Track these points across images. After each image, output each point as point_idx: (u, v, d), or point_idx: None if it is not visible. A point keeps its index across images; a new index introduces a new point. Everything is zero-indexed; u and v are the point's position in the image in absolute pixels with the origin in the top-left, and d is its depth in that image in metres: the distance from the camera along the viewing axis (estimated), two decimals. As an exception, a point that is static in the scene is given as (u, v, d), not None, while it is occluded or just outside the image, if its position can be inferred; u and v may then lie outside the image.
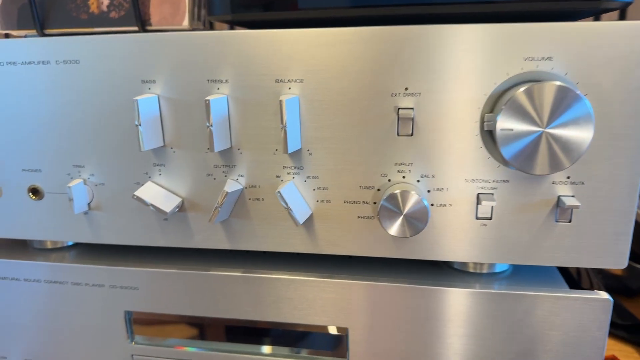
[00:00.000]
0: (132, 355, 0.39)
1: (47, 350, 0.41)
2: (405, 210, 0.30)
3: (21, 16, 0.39)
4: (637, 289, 0.63)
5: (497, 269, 0.35)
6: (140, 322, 0.39)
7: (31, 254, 0.40)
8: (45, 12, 0.38)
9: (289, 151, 0.30)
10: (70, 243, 0.42)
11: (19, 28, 0.39)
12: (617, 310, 0.59)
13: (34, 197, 0.36)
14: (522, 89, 0.27)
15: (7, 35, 0.44)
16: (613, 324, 0.56)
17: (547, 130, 0.27)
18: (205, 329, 0.38)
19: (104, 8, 0.37)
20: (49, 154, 0.35)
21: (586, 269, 0.37)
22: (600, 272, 0.67)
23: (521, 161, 0.27)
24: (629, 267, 0.69)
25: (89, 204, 0.35)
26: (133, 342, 0.39)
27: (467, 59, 0.29)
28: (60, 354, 0.41)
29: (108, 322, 0.38)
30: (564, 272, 0.36)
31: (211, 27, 0.39)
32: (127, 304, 0.38)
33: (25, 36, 0.42)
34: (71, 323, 0.39)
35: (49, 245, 0.41)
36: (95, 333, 0.39)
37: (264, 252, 0.39)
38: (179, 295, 0.37)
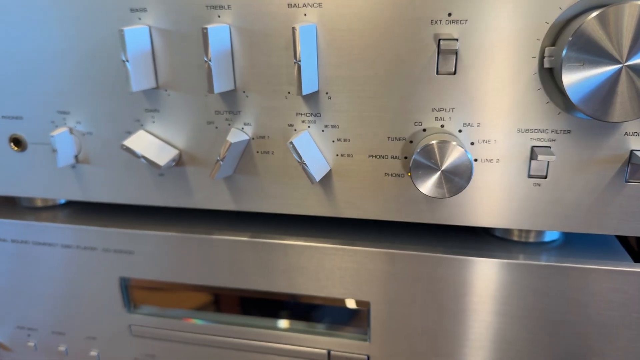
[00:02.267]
0: (130, 325, 0.36)
1: (40, 317, 0.38)
2: (444, 166, 0.24)
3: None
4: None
5: (546, 238, 0.30)
6: (138, 290, 0.35)
7: (20, 213, 0.37)
8: None
9: (304, 93, 0.25)
10: (62, 201, 0.38)
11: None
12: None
13: (16, 148, 0.32)
14: (594, 14, 0.21)
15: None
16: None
17: (627, 64, 0.21)
18: (210, 299, 0.34)
19: None
20: (30, 98, 0.31)
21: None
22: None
23: (594, 105, 0.22)
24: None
25: (76, 156, 0.31)
26: (131, 312, 0.35)
27: (527, -24, 0.23)
28: (54, 322, 0.37)
29: (103, 290, 0.35)
30: (625, 242, 0.31)
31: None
32: (123, 269, 0.34)
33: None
34: (63, 289, 0.36)
35: (39, 204, 0.37)
36: (89, 301, 0.36)
37: (275, 215, 0.34)
38: (180, 261, 0.32)
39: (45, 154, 0.32)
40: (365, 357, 0.32)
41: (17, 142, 0.32)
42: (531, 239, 0.30)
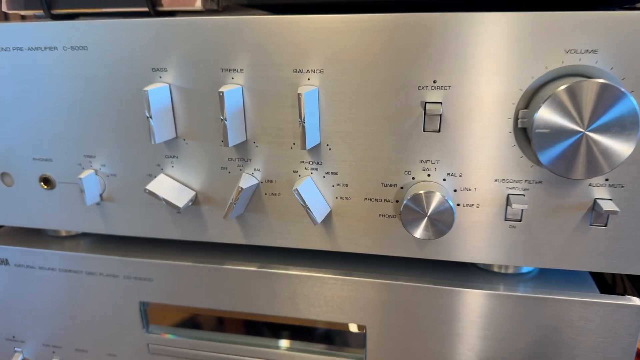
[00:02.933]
0: (148, 344, 0.39)
1: (64, 336, 0.41)
2: (430, 212, 0.28)
3: (28, -5, 0.37)
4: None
5: (524, 270, 0.34)
6: (156, 313, 0.38)
7: (45, 242, 0.40)
8: (52, -9, 0.36)
9: (308, 147, 0.29)
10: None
11: (26, 8, 0.37)
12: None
13: (45, 187, 0.35)
14: (562, 86, 0.25)
15: (6, 17, 0.42)
16: None
17: (588, 132, 0.25)
18: (221, 321, 0.38)
19: (114, -13, 0.35)
20: (59, 143, 0.34)
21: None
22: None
23: (560, 166, 0.25)
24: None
25: (101, 194, 0.34)
26: (149, 333, 0.39)
27: (501, 49, 0.26)
28: (78, 340, 0.41)
29: (123, 312, 0.38)
30: (597, 275, 0.34)
31: (225, 8, 0.37)
32: (142, 294, 0.37)
33: (34, 15, 0.40)
34: (87, 311, 0.39)
35: (63, 233, 0.41)
36: (111, 322, 0.39)
37: (281, 248, 0.38)
38: (194, 288, 0.36)
39: (72, 192, 0.35)
40: (362, 374, 0.36)
41: (47, 181, 0.35)
42: (510, 271, 0.34)
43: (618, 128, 0.25)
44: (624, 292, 0.31)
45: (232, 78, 0.30)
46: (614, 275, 0.35)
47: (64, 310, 0.40)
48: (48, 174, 0.35)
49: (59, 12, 0.37)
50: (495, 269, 0.34)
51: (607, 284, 0.33)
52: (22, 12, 0.38)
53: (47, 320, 0.41)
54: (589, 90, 0.24)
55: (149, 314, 0.38)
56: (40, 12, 0.37)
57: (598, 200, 0.28)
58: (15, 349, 0.43)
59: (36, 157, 0.35)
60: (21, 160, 0.35)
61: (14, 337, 0.43)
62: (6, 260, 0.39)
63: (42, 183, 0.35)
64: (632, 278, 0.49)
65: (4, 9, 0.38)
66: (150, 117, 0.29)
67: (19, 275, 0.40)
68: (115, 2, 0.35)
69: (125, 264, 0.36)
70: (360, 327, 0.34)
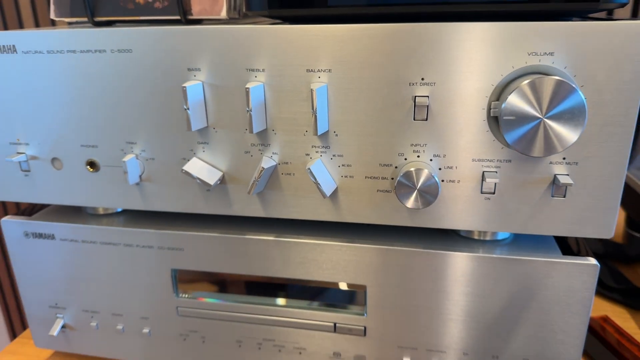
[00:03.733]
0: (177, 307, 0.45)
1: (102, 302, 0.47)
2: (419, 185, 0.34)
3: (73, 5, 0.43)
4: (635, 256, 0.68)
5: (499, 237, 0.40)
6: (184, 279, 0.44)
7: (85, 219, 0.46)
8: (95, 1, 0.42)
9: (319, 133, 0.35)
10: (119, 210, 0.47)
11: (72, 16, 0.43)
12: (614, 275, 0.64)
13: (91, 170, 0.41)
14: (525, 81, 0.31)
15: (53, 23, 0.48)
16: (609, 288, 0.61)
17: (545, 118, 0.31)
18: (242, 285, 0.44)
19: (149, -1, 0.41)
20: (104, 131, 0.40)
21: (581, 238, 0.42)
22: (601, 240, 0.72)
23: (521, 145, 0.31)
24: (629, 235, 0.73)
25: (140, 175, 0.40)
26: (178, 297, 0.45)
27: (477, 53, 0.32)
28: (114, 306, 0.47)
29: (157, 279, 0.44)
30: (563, 240, 0.40)
31: (244, 16, 0.43)
32: (174, 263, 0.43)
33: (76, 22, 0.46)
34: (123, 279, 0.45)
35: (101, 211, 0.47)
36: (145, 288, 0.45)
37: (293, 220, 0.44)
38: (219, 255, 0.42)
39: (114, 174, 0.41)
40: (363, 328, 0.42)
41: (93, 164, 0.41)
42: (488, 238, 0.40)
43: (569, 116, 0.31)
44: (583, 254, 0.38)
45: (255, 76, 0.36)
46: (576, 240, 0.41)
47: (103, 278, 0.46)
48: (94, 158, 0.41)
49: (101, 20, 0.42)
50: (475, 236, 0.40)
51: (570, 248, 0.39)
52: (68, 19, 0.43)
53: (87, 289, 0.47)
54: (547, 85, 0.30)
55: (179, 281, 0.44)
56: (84, 20, 0.43)
57: (557, 175, 0.34)
58: (57, 315, 0.49)
59: (84, 144, 0.41)
60: (70, 147, 0.41)
61: (56, 304, 0.48)
62: (52, 235, 0.45)
63: (88, 166, 0.41)
64: (589, 241, 0.55)
65: (52, 16, 0.43)
66: (188, 109, 0.35)
67: (63, 248, 0.45)
68: (150, 12, 0.41)
69: (160, 235, 0.42)
70: (361, 286, 0.41)
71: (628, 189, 0.71)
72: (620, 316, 0.57)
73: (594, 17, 0.37)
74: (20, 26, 1.05)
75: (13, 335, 1.41)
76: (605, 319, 0.53)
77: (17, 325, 1.40)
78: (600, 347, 0.49)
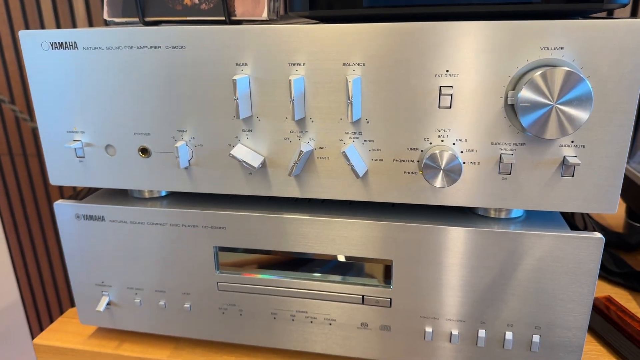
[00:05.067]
0: (218, 282, 0.49)
1: (146, 279, 0.51)
2: (444, 166, 0.38)
3: (125, 6, 0.47)
4: (635, 243, 0.72)
5: (513, 215, 0.44)
6: (225, 256, 0.48)
7: (133, 202, 0.50)
8: (145, 3, 0.46)
9: (353, 120, 0.39)
10: (163, 193, 0.51)
11: (123, 16, 0.47)
12: (616, 261, 0.68)
13: (143, 156, 0.46)
14: (538, 72, 0.35)
15: (106, 23, 0.52)
16: (611, 272, 0.65)
17: (556, 104, 0.35)
18: (278, 262, 0.48)
19: (196, 1, 0.45)
20: (157, 120, 0.44)
21: (588, 217, 0.46)
22: (603, 229, 0.76)
23: (536, 128, 0.36)
24: (629, 225, 0.78)
25: (189, 160, 0.45)
26: (219, 272, 0.49)
27: (494, 48, 0.37)
28: (158, 282, 0.51)
29: (200, 256, 0.48)
30: (570, 218, 0.44)
31: (281, 17, 0.47)
32: (217, 241, 0.47)
33: (126, 23, 0.50)
34: (168, 257, 0.49)
35: (147, 195, 0.51)
36: (188, 265, 0.49)
37: (326, 201, 0.48)
38: (258, 234, 0.46)
39: (165, 160, 0.45)
40: (389, 299, 0.46)
41: (145, 151, 0.45)
42: (503, 215, 0.44)
43: (578, 102, 0.35)
44: (590, 230, 0.42)
45: (296, 70, 0.40)
46: (583, 218, 0.45)
47: (148, 257, 0.50)
48: (146, 145, 0.45)
49: (150, 20, 0.47)
50: (492, 214, 0.44)
51: (576, 225, 0.43)
52: (119, 20, 0.48)
53: (132, 267, 0.51)
54: (558, 75, 0.35)
55: (220, 258, 0.49)
56: (135, 20, 0.47)
57: (566, 157, 0.38)
58: (103, 292, 0.53)
59: (137, 132, 0.45)
60: (124, 135, 0.45)
61: (102, 282, 0.53)
62: (102, 217, 0.50)
63: (140, 152, 0.45)
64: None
65: (105, 17, 0.48)
66: (237, 99, 0.39)
67: (112, 229, 0.50)
68: (197, 13, 0.45)
69: (205, 215, 0.47)
70: (387, 261, 0.45)
71: (628, 182, 0.76)
72: (622, 297, 0.61)
73: (597, 17, 0.41)
74: (74, 26, 1.10)
75: (30, 327, 1.45)
76: (609, 299, 0.57)
77: (32, 319, 1.44)
78: (605, 324, 0.53)
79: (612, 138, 0.38)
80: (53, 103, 0.46)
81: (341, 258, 0.46)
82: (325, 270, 0.47)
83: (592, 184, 0.39)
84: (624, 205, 0.79)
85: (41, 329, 1.45)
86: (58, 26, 1.12)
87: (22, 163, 1.28)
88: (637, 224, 0.76)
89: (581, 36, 0.36)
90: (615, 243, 0.73)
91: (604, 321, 0.54)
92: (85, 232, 0.50)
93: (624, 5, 0.37)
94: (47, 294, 1.42)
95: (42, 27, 1.12)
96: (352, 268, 0.46)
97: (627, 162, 0.77)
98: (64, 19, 1.11)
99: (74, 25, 1.10)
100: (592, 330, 0.54)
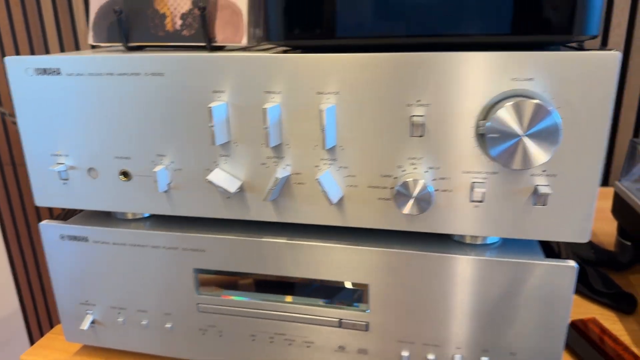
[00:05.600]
0: (198, 304, 0.50)
1: (129, 299, 0.51)
2: (414, 194, 0.39)
3: (109, 31, 0.48)
4: (626, 263, 0.72)
5: (489, 241, 0.44)
6: (205, 278, 0.49)
7: (116, 223, 0.51)
8: (129, 29, 0.47)
9: (327, 147, 0.39)
10: (146, 215, 0.52)
11: (108, 41, 0.48)
12: (604, 281, 0.67)
13: (124, 179, 0.46)
14: (508, 103, 0.36)
15: (94, 47, 0.53)
16: (599, 293, 0.65)
17: (524, 136, 0.35)
18: (257, 284, 0.48)
19: (178, 27, 0.46)
20: (137, 145, 0.45)
21: (563, 243, 0.46)
22: (592, 247, 0.76)
23: (504, 159, 0.36)
24: (620, 243, 0.77)
25: (168, 184, 0.45)
26: (199, 294, 0.49)
27: (466, 78, 0.37)
28: (139, 302, 0.51)
29: (180, 278, 0.49)
30: (548, 244, 0.45)
31: (261, 43, 0.48)
32: (196, 263, 0.48)
33: (111, 46, 0.51)
34: (150, 278, 0.50)
35: (130, 217, 0.51)
36: (169, 286, 0.50)
37: (305, 225, 0.48)
38: (237, 256, 0.47)
39: (145, 183, 0.46)
40: (366, 323, 0.46)
41: (126, 174, 0.46)
42: (478, 242, 0.44)
43: (545, 134, 0.35)
44: (564, 257, 0.42)
45: (272, 98, 0.41)
46: (558, 244, 0.45)
47: (130, 277, 0.51)
48: (127, 169, 0.46)
49: (134, 45, 0.48)
50: (467, 241, 0.44)
51: (553, 251, 0.43)
52: (104, 44, 0.49)
53: (115, 287, 0.51)
54: (527, 107, 0.35)
55: (200, 279, 0.49)
56: (119, 45, 0.48)
57: (537, 186, 0.39)
58: (87, 311, 0.54)
59: (118, 155, 0.46)
60: (106, 159, 0.46)
61: (87, 301, 0.53)
62: (86, 237, 0.50)
63: (121, 176, 0.46)
64: (582, 248, 0.59)
65: (90, 42, 0.49)
66: (213, 126, 0.40)
67: (96, 250, 0.50)
68: (179, 39, 0.46)
69: (184, 238, 0.47)
70: (364, 285, 0.45)
71: (620, 201, 0.76)
72: (608, 319, 0.61)
73: (570, 46, 0.41)
74: (62, 49, 1.12)
75: (30, 336, 1.46)
76: (593, 321, 0.57)
77: (34, 328, 1.45)
78: (587, 346, 0.53)
79: (584, 167, 0.38)
80: (38, 126, 0.47)
81: (318, 282, 0.46)
82: (303, 293, 0.47)
83: (565, 212, 0.39)
84: (615, 224, 0.79)
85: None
86: (47, 50, 1.14)
87: (24, 173, 1.29)
88: (628, 243, 0.75)
89: (551, 67, 0.36)
90: (605, 262, 0.73)
91: (586, 344, 0.53)
92: (69, 252, 0.51)
93: (594, 37, 0.37)
94: (48, 303, 1.43)
95: (46, 47, 1.15)
96: (330, 292, 0.47)
97: (620, 181, 0.77)
98: (52, 43, 1.13)
99: (62, 49, 1.12)
100: (574, 352, 0.54)
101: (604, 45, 0.94)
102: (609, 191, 0.97)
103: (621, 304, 0.63)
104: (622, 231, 0.77)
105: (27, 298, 1.42)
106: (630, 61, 0.93)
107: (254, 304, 0.48)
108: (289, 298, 0.48)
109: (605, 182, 1.02)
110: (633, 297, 0.62)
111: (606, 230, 0.83)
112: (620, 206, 0.76)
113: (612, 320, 0.61)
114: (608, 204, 0.80)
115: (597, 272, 0.69)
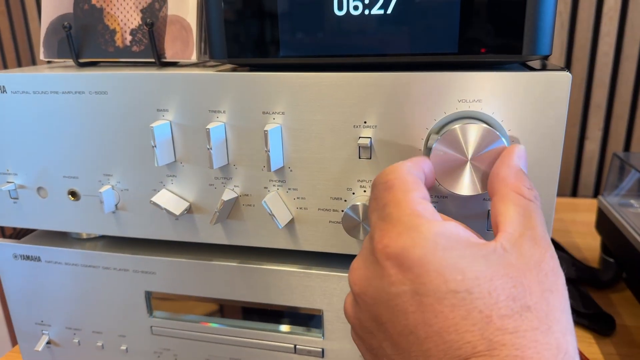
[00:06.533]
0: (151, 326, 0.48)
1: (83, 320, 0.50)
2: (362, 218, 0.37)
3: (60, 47, 0.47)
4: (607, 280, 0.70)
5: (447, 265, 0.42)
6: (158, 299, 0.47)
7: (70, 243, 0.49)
8: (79, 44, 0.46)
9: (272, 169, 0.38)
10: (100, 234, 0.50)
11: (59, 57, 0.47)
12: (584, 301, 0.65)
13: (72, 198, 0.45)
14: (455, 126, 0.34)
15: (49, 62, 0.52)
16: (577, 313, 0.63)
17: (471, 160, 0.34)
18: (210, 307, 0.47)
19: (127, 43, 0.45)
20: (84, 164, 0.44)
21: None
22: (574, 264, 0.74)
23: (449, 183, 0.34)
24: (603, 260, 0.75)
25: (116, 205, 0.44)
26: (152, 317, 0.48)
27: (413, 99, 0.36)
28: (94, 324, 0.50)
29: (132, 300, 0.47)
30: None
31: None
32: (147, 285, 0.46)
33: (64, 62, 0.50)
34: (102, 299, 0.48)
35: (84, 236, 0.50)
36: (121, 308, 0.48)
37: (256, 248, 0.47)
38: (188, 279, 0.45)
39: (93, 203, 0.45)
40: (321, 350, 0.44)
41: (74, 194, 0.45)
42: (436, 266, 0.43)
43: (494, 159, 0.34)
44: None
45: (217, 117, 0.39)
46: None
47: (84, 298, 0.49)
48: (75, 188, 0.45)
49: (85, 61, 0.47)
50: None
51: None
52: (56, 60, 0.48)
53: (69, 307, 0.50)
54: (477, 130, 0.33)
55: (152, 302, 0.48)
56: (69, 60, 0.47)
57: (490, 211, 0.37)
58: (43, 331, 0.52)
59: (66, 175, 0.44)
60: (54, 178, 0.45)
61: (42, 321, 0.52)
62: (38, 257, 0.49)
63: (70, 195, 0.45)
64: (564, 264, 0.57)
65: (41, 57, 0.48)
66: (155, 146, 0.39)
67: (48, 270, 0.49)
68: (129, 55, 0.45)
69: (134, 260, 0.46)
70: (318, 310, 0.43)
71: (603, 217, 0.73)
72: (585, 341, 0.59)
73: (528, 65, 0.40)
74: (19, 64, 1.11)
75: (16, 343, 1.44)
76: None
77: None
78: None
79: (538, 189, 0.36)
80: (-14, 144, 0.45)
81: (272, 307, 0.45)
82: (258, 317, 0.46)
83: (520, 238, 0.37)
84: (598, 240, 0.77)
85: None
86: (4, 65, 1.14)
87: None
88: (612, 260, 0.73)
89: (500, 88, 0.34)
90: (587, 279, 0.71)
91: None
92: (22, 271, 0.50)
93: (546, 57, 0.35)
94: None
95: (4, 63, 1.14)
96: (284, 316, 0.45)
97: (603, 196, 0.75)
98: (9, 56, 1.13)
99: (19, 64, 1.12)
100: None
101: (567, 64, 0.92)
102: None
103: (599, 325, 0.61)
104: (605, 247, 0.75)
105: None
106: (620, 70, 0.91)
107: (209, 328, 0.47)
108: (244, 322, 0.46)
109: (595, 193, 1.00)
110: (612, 318, 0.60)
111: (592, 245, 0.80)
112: (604, 222, 0.74)
113: (588, 342, 0.59)
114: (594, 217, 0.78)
115: (577, 290, 0.67)
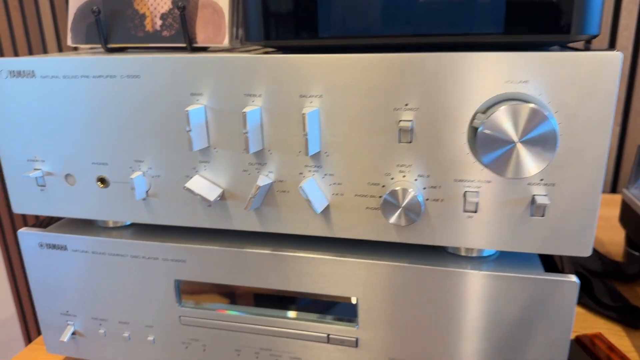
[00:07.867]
0: (180, 316, 0.47)
1: (110, 310, 0.49)
2: (403, 204, 0.36)
3: (88, 33, 0.46)
4: (634, 274, 0.69)
5: (485, 253, 0.42)
6: (187, 290, 0.47)
7: (97, 231, 0.49)
8: (108, 29, 0.45)
9: (310, 154, 0.37)
10: (128, 223, 0.50)
11: (87, 42, 0.46)
12: (611, 293, 0.64)
13: (101, 185, 0.44)
14: (501, 107, 0.33)
15: (75, 48, 0.51)
16: (605, 306, 0.62)
17: (519, 143, 0.33)
18: (240, 296, 0.46)
19: (157, 27, 0.44)
20: (114, 150, 0.43)
21: (566, 256, 0.43)
22: (599, 257, 0.72)
23: (497, 167, 0.34)
24: (628, 254, 0.74)
25: (147, 191, 0.43)
26: (181, 306, 0.47)
27: (457, 81, 0.35)
28: (121, 314, 0.49)
29: (161, 289, 0.47)
30: (549, 257, 0.42)
31: (245, 43, 0.46)
32: (177, 274, 0.46)
33: (92, 48, 0.49)
34: (130, 289, 0.48)
35: (111, 224, 0.49)
36: (150, 297, 0.47)
37: (289, 234, 0.46)
38: (219, 267, 0.44)
39: (123, 190, 0.44)
40: (355, 339, 0.44)
41: (103, 180, 0.44)
42: (474, 254, 0.42)
43: (541, 141, 0.33)
44: (566, 271, 0.39)
45: (253, 101, 0.38)
46: (560, 257, 0.42)
47: (111, 288, 0.48)
48: (104, 175, 0.44)
49: (113, 46, 0.46)
50: (462, 253, 0.42)
51: (555, 264, 0.41)
52: (84, 46, 0.47)
53: (96, 297, 0.49)
54: (522, 112, 0.33)
55: (181, 291, 0.47)
56: (98, 46, 0.46)
57: (535, 196, 0.36)
58: (68, 322, 0.52)
59: (95, 161, 0.44)
60: (83, 164, 0.44)
61: (67, 312, 0.51)
62: (65, 246, 0.48)
63: (99, 182, 0.44)
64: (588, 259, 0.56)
65: (69, 43, 0.47)
66: (190, 131, 0.38)
67: (75, 259, 0.48)
68: (159, 40, 0.44)
69: (164, 248, 0.45)
70: (352, 299, 0.43)
71: (628, 209, 0.72)
72: (615, 334, 0.58)
73: (572, 47, 0.39)
74: (45, 51, 1.11)
75: (29, 340, 1.45)
76: (598, 336, 0.54)
77: (32, 331, 1.44)
78: (591, 363, 0.50)
79: (584, 176, 0.35)
80: (14, 131, 0.45)
81: (305, 295, 0.44)
82: (290, 306, 0.45)
83: (564, 224, 0.37)
84: (623, 233, 0.76)
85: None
86: (30, 52, 1.13)
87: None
88: (636, 253, 0.72)
89: (547, 69, 0.33)
90: (612, 273, 0.70)
91: (591, 361, 0.50)
92: (48, 261, 0.49)
93: (595, 37, 0.34)
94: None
95: (15, 51, 1.14)
96: (317, 305, 0.44)
97: (627, 188, 0.74)
98: (35, 43, 1.12)
99: (45, 51, 1.11)
100: (578, 371, 0.51)
101: (612, 44, 0.90)
102: (618, 198, 0.94)
103: (628, 318, 0.60)
104: (630, 241, 0.73)
105: (26, 302, 1.41)
106: (639, 63, 0.90)
107: (238, 318, 0.46)
108: (275, 312, 0.45)
109: (613, 188, 0.99)
110: (640, 310, 0.59)
111: (614, 239, 0.79)
112: (628, 215, 0.73)
113: (619, 336, 0.58)
114: (617, 211, 0.77)
115: (603, 283, 0.66)
